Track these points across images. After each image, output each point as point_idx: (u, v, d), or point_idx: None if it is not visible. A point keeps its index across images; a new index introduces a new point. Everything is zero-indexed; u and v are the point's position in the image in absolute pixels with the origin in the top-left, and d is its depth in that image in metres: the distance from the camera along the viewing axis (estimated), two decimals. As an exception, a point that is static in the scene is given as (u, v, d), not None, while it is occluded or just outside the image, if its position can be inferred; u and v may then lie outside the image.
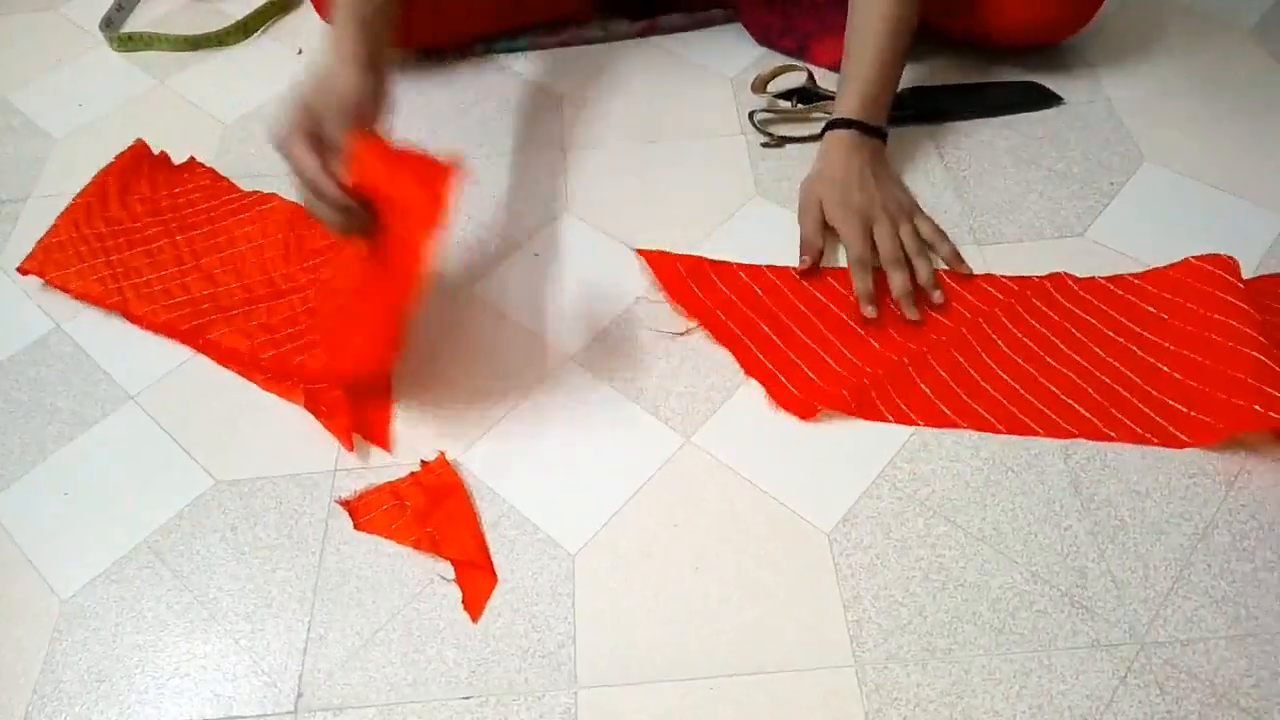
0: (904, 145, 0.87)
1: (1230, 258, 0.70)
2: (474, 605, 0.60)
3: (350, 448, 0.68)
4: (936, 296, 0.72)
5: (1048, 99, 0.90)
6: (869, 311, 0.71)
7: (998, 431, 0.66)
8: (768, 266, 0.77)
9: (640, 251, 0.79)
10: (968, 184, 0.83)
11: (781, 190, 0.84)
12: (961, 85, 0.92)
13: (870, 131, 0.79)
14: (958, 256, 0.75)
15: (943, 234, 0.77)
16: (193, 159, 0.92)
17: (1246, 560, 0.59)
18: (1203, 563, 0.59)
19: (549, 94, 0.96)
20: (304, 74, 0.66)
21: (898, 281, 0.73)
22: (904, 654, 0.56)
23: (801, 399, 0.68)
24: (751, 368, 0.71)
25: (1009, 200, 0.81)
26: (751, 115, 0.90)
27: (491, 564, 0.62)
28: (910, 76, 0.92)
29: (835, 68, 0.85)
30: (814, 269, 0.76)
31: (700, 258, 0.78)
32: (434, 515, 0.64)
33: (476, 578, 0.61)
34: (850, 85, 0.80)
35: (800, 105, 0.90)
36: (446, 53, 1.01)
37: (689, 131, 0.91)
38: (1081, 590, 0.58)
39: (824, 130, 0.81)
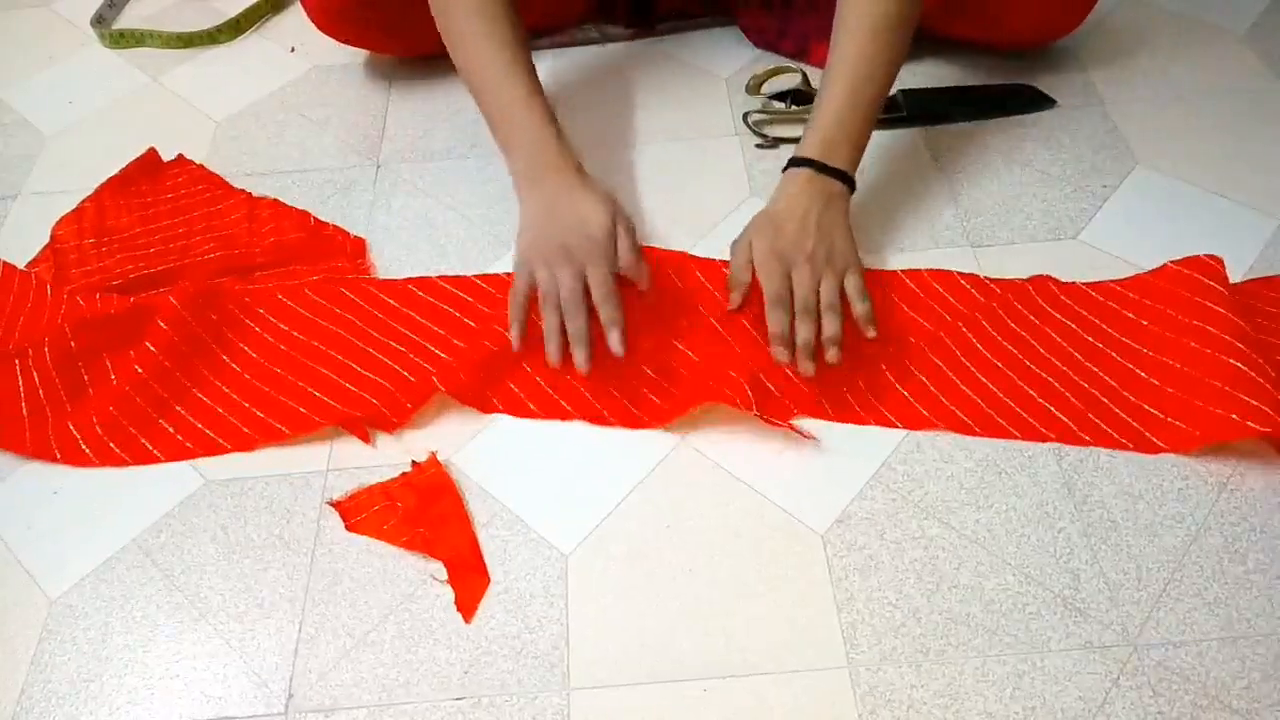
0: (898, 147, 0.87)
1: (1214, 259, 0.70)
2: (466, 606, 0.60)
3: (366, 439, 0.68)
4: (832, 355, 0.67)
5: (1041, 101, 0.90)
6: (780, 355, 0.67)
7: (974, 434, 0.66)
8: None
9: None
10: (961, 186, 0.83)
11: (776, 191, 0.84)
12: (955, 88, 0.92)
13: (828, 172, 0.71)
14: (870, 321, 0.69)
15: (865, 294, 0.70)
16: (181, 156, 0.91)
17: (1238, 562, 0.59)
18: (1195, 565, 0.59)
19: (543, 94, 0.96)
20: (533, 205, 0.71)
21: (801, 332, 0.67)
22: (897, 655, 0.56)
23: (781, 402, 0.67)
24: (739, 367, 0.70)
25: (1002, 203, 0.81)
26: (746, 116, 0.90)
27: (484, 564, 0.62)
28: (904, 79, 0.92)
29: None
30: (744, 307, 0.71)
31: (686, 254, 0.78)
32: (426, 516, 0.64)
33: (469, 578, 0.61)
34: (816, 121, 0.72)
35: (794, 106, 0.90)
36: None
37: (684, 133, 0.91)
38: (1074, 592, 0.58)
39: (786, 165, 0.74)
